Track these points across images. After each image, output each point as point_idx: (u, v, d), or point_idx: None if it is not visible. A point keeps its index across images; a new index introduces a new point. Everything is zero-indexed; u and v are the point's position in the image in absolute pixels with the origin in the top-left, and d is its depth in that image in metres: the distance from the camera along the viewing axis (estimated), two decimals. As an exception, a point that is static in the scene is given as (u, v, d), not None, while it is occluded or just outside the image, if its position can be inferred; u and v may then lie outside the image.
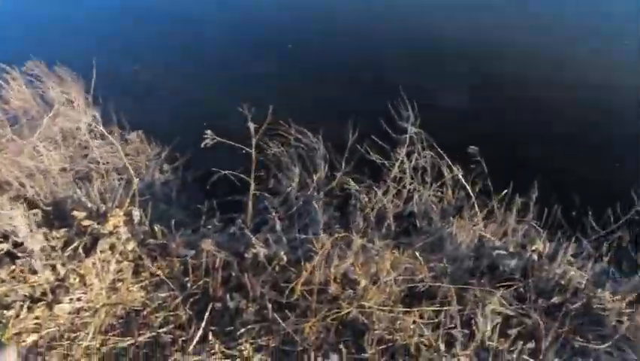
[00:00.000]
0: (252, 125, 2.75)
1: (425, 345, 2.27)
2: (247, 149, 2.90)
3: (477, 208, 3.08)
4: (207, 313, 2.44)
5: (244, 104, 2.85)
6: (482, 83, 5.03)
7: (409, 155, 3.47)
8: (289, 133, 3.91)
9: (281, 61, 5.96)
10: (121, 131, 4.47)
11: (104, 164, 3.63)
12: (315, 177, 3.69)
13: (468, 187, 3.09)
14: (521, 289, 2.71)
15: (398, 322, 2.31)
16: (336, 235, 2.51)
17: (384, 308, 2.30)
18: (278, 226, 2.74)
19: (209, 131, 2.75)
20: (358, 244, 2.48)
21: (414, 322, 2.35)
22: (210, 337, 2.38)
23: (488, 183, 3.47)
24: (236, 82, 5.75)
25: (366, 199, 3.08)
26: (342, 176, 3.67)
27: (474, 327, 2.36)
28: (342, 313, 2.29)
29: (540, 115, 4.71)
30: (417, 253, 2.52)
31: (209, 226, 3.00)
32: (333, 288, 2.37)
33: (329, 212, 3.49)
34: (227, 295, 2.60)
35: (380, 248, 2.55)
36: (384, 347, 2.27)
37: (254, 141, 2.84)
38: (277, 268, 2.72)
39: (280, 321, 2.33)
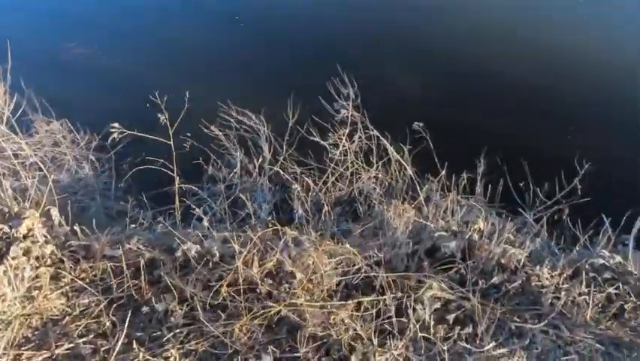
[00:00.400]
0: (161, 116, 2.52)
1: (361, 338, 2.19)
2: (166, 141, 2.68)
3: (418, 188, 3.00)
4: (128, 319, 2.28)
5: (157, 92, 2.62)
6: (430, 61, 4.91)
7: (350, 135, 3.34)
8: (230, 115, 3.71)
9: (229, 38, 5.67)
10: (48, 119, 4.16)
11: (21, 159, 3.33)
12: (256, 163, 3.53)
13: (408, 167, 2.99)
14: (462, 271, 2.66)
15: (332, 317, 2.22)
16: (267, 229, 2.36)
17: (315, 304, 2.20)
18: (205, 222, 2.57)
19: (116, 124, 2.51)
20: (290, 236, 2.35)
21: (351, 315, 2.26)
22: (134, 344, 2.22)
23: (435, 161, 3.42)
24: (182, 61, 5.45)
25: (299, 187, 2.92)
26: (283, 160, 3.53)
27: (411, 316, 2.29)
28: (272, 311, 2.18)
29: (488, 87, 4.65)
30: (348, 245, 2.41)
31: (133, 225, 2.79)
32: (260, 286, 2.24)
33: (271, 199, 3.37)
34: (155, 298, 2.45)
35: (315, 239, 2.43)
36: (318, 343, 2.18)
37: (171, 132, 2.63)
38: (210, 265, 2.57)
39: (207, 324, 2.19)
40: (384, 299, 2.35)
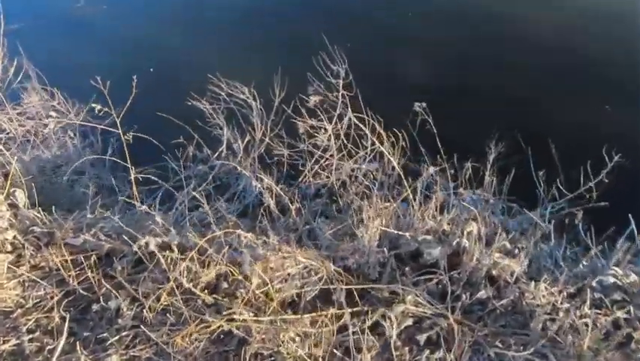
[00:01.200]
0: (97, 106, 2.29)
1: (313, 358, 1.98)
2: (114, 130, 2.45)
3: (404, 182, 2.66)
4: (74, 317, 2.18)
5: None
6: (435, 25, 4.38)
7: (339, 118, 3.01)
8: (220, 87, 3.45)
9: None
10: (42, 86, 4.05)
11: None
12: (241, 145, 3.28)
13: (393, 159, 2.64)
14: (445, 282, 2.36)
15: (282, 333, 2.01)
16: (217, 232, 2.14)
17: (262, 319, 1.99)
18: (158, 218, 2.37)
19: (52, 113, 2.31)
20: (244, 239, 2.12)
21: (305, 332, 2.05)
22: (78, 346, 2.12)
23: (439, 148, 3.04)
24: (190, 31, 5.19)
25: (259, 183, 2.64)
26: (269, 141, 3.27)
27: (369, 334, 2.06)
28: (214, 326, 1.99)
29: (504, 59, 4.11)
30: (313, 251, 2.16)
31: (89, 213, 2.64)
32: (203, 295, 2.05)
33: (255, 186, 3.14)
34: (109, 294, 2.32)
35: (274, 242, 2.19)
36: (266, 361, 2.00)
37: (118, 120, 2.40)
38: (169, 261, 2.41)
39: (147, 331, 2.04)
40: (347, 313, 2.11)
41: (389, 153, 2.71)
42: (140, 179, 2.61)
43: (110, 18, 5.37)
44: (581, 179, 2.89)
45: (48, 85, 4.00)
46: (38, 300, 2.38)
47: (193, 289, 2.02)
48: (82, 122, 2.50)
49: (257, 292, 2.07)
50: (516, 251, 2.55)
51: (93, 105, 2.27)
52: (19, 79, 4.12)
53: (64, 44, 5.01)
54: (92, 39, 5.11)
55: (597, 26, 4.49)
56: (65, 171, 3.36)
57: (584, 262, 2.45)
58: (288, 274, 2.14)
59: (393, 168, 2.94)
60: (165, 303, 2.07)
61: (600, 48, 4.28)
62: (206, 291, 2.08)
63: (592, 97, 4.02)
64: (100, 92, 2.92)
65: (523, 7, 4.79)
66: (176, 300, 2.04)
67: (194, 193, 2.40)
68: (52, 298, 2.38)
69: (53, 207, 2.64)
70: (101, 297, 2.28)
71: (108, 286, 2.34)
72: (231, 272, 2.09)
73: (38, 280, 2.38)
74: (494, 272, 2.40)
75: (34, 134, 3.39)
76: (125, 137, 2.35)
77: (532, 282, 2.34)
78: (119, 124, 2.41)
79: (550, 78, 4.16)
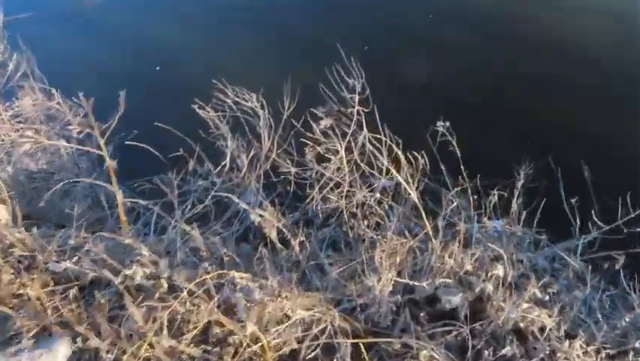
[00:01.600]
0: (78, 124, 2.03)
1: None
2: (96, 151, 2.19)
3: (424, 216, 2.37)
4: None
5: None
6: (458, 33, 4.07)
7: (353, 137, 2.72)
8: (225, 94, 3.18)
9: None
10: (41, 85, 3.82)
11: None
12: (245, 160, 3.02)
13: (410, 188, 2.36)
14: (465, 335, 2.08)
15: (278, 395, 1.76)
16: (206, 275, 1.88)
17: (256, 381, 1.75)
18: (145, 251, 2.12)
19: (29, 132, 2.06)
20: (239, 281, 1.87)
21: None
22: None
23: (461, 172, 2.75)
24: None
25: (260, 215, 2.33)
26: (276, 156, 3.01)
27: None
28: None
29: (537, 71, 3.77)
30: (317, 294, 1.90)
31: (74, 235, 2.40)
32: (189, 350, 1.80)
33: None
34: (90, 331, 2.09)
35: (272, 285, 1.93)
36: None
37: (102, 142, 2.14)
38: (157, 297, 2.17)
39: (126, 387, 1.80)
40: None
41: (406, 181, 2.42)
42: (129, 204, 2.36)
43: (109, 13, 5.14)
44: (619, 211, 2.57)
45: (47, 83, 3.79)
46: (13, 333, 2.16)
47: (177, 345, 1.77)
48: (57, 143, 2.24)
49: (252, 346, 1.81)
50: (547, 298, 2.27)
51: (72, 128, 2.01)
52: (18, 75, 3.92)
53: (63, 39, 4.82)
54: (92, 34, 4.90)
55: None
56: (58, 180, 3.13)
57: (626, 319, 2.15)
58: (287, 324, 1.88)
59: (410, 194, 2.66)
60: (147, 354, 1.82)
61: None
62: (191, 345, 1.82)
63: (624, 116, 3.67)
64: (97, 95, 2.72)
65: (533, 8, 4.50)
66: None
67: (184, 226, 2.14)
68: (28, 331, 2.16)
69: (35, 227, 2.40)
70: (87, 333, 2.04)
71: (88, 323, 2.12)
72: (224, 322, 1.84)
73: (13, 313, 2.15)
74: (522, 325, 2.11)
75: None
76: (109, 162, 2.08)
77: (567, 341, 2.05)
78: (103, 146, 2.15)
79: (593, 101, 3.82)
